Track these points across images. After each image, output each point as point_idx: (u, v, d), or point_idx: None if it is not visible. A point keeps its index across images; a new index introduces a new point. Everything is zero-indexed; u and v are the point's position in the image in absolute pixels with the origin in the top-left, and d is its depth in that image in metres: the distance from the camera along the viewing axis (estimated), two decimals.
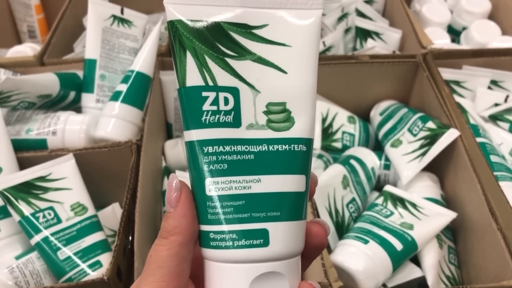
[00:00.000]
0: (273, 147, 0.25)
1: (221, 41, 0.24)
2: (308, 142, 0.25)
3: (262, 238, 0.24)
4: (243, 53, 0.25)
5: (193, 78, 0.24)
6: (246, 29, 0.25)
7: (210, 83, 0.24)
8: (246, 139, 0.25)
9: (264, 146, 0.25)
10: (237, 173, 0.24)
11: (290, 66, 0.25)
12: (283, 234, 0.24)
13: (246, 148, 0.24)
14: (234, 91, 0.24)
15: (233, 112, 0.24)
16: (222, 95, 0.24)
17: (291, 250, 0.25)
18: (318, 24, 0.26)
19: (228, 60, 0.25)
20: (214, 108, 0.24)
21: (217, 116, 0.24)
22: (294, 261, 0.25)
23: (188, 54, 0.24)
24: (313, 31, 0.25)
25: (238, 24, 0.25)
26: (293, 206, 0.25)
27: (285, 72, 0.25)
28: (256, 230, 0.24)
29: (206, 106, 0.24)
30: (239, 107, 0.25)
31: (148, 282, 0.24)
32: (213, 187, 0.24)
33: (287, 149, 0.25)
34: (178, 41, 0.24)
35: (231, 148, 0.24)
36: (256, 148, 0.25)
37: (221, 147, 0.24)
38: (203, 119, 0.24)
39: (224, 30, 0.24)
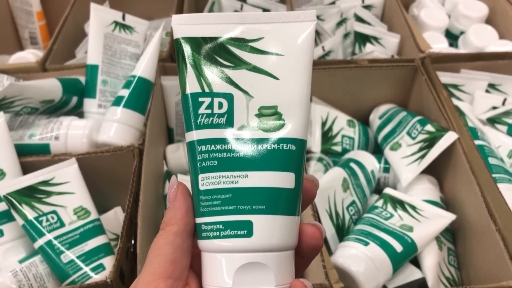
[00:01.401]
0: (262, 146, 0.26)
1: (219, 53, 0.27)
2: (299, 142, 0.27)
3: (246, 229, 0.26)
4: (239, 63, 0.27)
5: (192, 86, 0.27)
6: (243, 43, 0.27)
7: (206, 90, 0.27)
8: (237, 138, 0.27)
9: (254, 145, 0.26)
10: (226, 169, 0.26)
11: (282, 73, 0.27)
12: (268, 227, 0.26)
13: (236, 146, 0.26)
14: (229, 97, 0.27)
15: (226, 115, 0.27)
16: (216, 100, 0.27)
17: (276, 243, 0.26)
18: (310, 34, 0.28)
19: (225, 70, 0.27)
20: (209, 111, 0.27)
21: (211, 119, 0.27)
22: (283, 255, 0.26)
23: (189, 66, 0.27)
24: (304, 40, 0.27)
25: (235, 39, 0.27)
26: (279, 201, 0.26)
27: (277, 78, 0.27)
28: (241, 221, 0.26)
29: (202, 110, 0.27)
30: (232, 110, 0.27)
31: (146, 270, 0.26)
32: (204, 182, 0.26)
33: (276, 147, 0.26)
34: (181, 55, 0.27)
35: (221, 146, 0.27)
36: (246, 147, 0.26)
37: (212, 145, 0.27)
38: (198, 121, 0.27)
39: (223, 44, 0.27)
